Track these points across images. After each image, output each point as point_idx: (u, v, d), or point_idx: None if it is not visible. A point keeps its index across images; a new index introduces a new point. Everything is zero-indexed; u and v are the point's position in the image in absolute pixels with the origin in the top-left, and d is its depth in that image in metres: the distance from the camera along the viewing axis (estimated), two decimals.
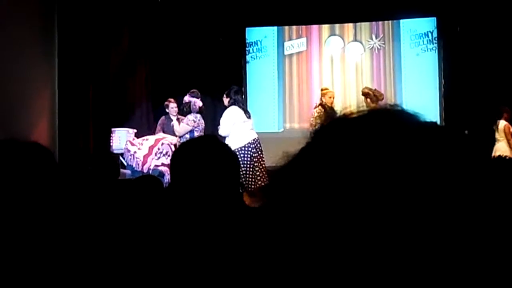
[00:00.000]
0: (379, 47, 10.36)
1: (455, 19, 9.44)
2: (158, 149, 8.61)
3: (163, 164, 8.49)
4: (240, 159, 7.31)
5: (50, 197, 1.45)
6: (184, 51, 10.03)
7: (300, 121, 9.95)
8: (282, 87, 10.46)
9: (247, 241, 1.59)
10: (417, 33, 10.21)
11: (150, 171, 8.38)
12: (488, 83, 8.72)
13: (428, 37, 10.17)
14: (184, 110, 8.33)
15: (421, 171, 0.58)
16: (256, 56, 10.67)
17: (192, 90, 8.38)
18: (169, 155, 8.47)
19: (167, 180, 7.96)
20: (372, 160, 0.59)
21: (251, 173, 7.78)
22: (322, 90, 8.47)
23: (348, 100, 9.99)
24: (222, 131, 7.91)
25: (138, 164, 8.53)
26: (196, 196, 1.76)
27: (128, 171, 8.43)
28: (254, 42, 10.62)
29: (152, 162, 8.53)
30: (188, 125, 8.37)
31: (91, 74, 7.98)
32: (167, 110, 8.65)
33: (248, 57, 10.64)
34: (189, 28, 9.95)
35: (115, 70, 8.76)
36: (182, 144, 1.98)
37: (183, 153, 1.86)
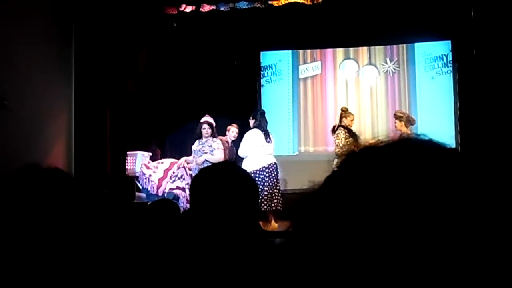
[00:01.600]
0: (393, 70, 10.35)
1: (470, 42, 9.41)
2: (173, 172, 8.65)
3: (178, 187, 8.53)
4: (259, 179, 7.39)
5: (71, 222, 1.46)
6: (200, 74, 10.09)
7: (315, 144, 9.95)
8: (297, 110, 10.45)
9: (264, 270, 1.59)
10: (432, 56, 10.19)
11: (165, 195, 8.39)
12: (504, 106, 8.65)
13: (443, 60, 10.15)
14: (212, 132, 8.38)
15: (451, 206, 0.58)
16: (271, 80, 10.67)
17: (207, 115, 8.44)
18: (184, 179, 8.56)
19: (182, 204, 8.04)
20: (398, 192, 0.59)
21: (262, 197, 7.79)
22: (343, 111, 8.48)
23: (363, 124, 9.97)
24: (241, 152, 8.10)
25: (153, 188, 8.57)
26: (214, 222, 1.75)
27: (143, 194, 8.45)
28: (269, 65, 10.63)
29: (167, 186, 8.57)
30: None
31: (108, 97, 8.02)
32: (227, 134, 8.65)
33: (263, 81, 10.65)
34: (204, 52, 10.02)
35: (132, 93, 8.83)
36: (202, 170, 1.96)
37: (203, 179, 1.86)
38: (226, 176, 1.83)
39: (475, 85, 9.34)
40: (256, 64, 10.56)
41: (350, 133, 8.18)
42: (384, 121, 10.23)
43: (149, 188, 8.60)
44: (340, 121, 8.35)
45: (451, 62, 10.09)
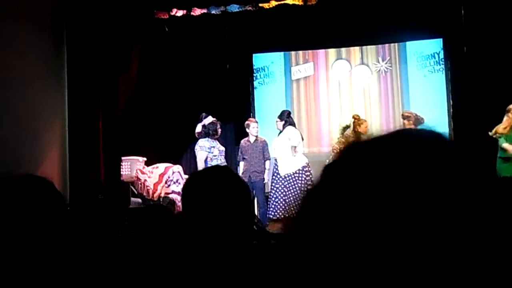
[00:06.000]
0: (386, 69, 10.34)
1: (461, 39, 9.43)
2: (169, 177, 8.59)
3: (173, 192, 8.47)
4: (304, 179, 8.03)
5: (53, 231, 1.45)
6: (192, 78, 10.08)
7: (309, 145, 9.88)
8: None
9: (258, 273, 1.59)
10: (424, 54, 10.18)
11: (161, 199, 8.40)
12: (496, 102, 8.67)
13: (435, 58, 10.13)
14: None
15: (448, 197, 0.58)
16: (264, 82, 10.67)
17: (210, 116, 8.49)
18: (179, 183, 8.47)
19: (178, 208, 7.87)
20: (395, 184, 0.59)
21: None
22: (355, 119, 8.50)
23: None
24: (300, 148, 8.31)
25: (149, 193, 8.51)
26: (205, 226, 1.74)
27: (138, 200, 8.41)
28: (261, 68, 10.62)
29: (162, 190, 8.52)
30: None
31: (101, 103, 7.98)
32: (247, 130, 8.71)
33: (255, 83, 10.64)
34: (197, 55, 10.01)
35: (125, 98, 8.81)
36: (194, 174, 1.97)
37: (195, 184, 1.84)
38: (218, 180, 1.81)
39: (467, 82, 9.37)
40: (248, 66, 10.54)
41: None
42: (378, 120, 10.21)
43: (144, 193, 8.55)
44: (354, 130, 8.38)
45: (443, 60, 10.08)
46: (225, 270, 1.66)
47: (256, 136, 8.63)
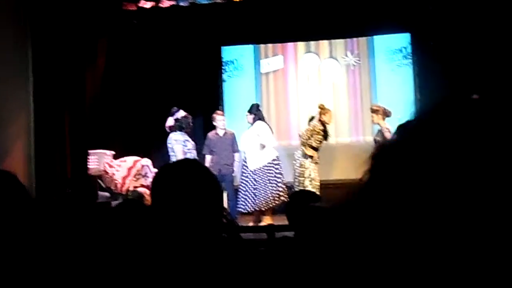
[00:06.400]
0: (354, 63, 10.37)
1: (427, 34, 9.51)
2: (137, 170, 8.56)
3: (142, 186, 8.41)
4: (274, 172, 8.16)
5: (15, 223, 1.45)
6: (160, 70, 9.99)
7: (279, 138, 9.81)
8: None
9: (224, 268, 1.59)
10: (392, 49, 10.24)
11: (129, 193, 8.30)
12: (462, 96, 8.74)
13: (402, 52, 10.17)
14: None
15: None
16: (233, 75, 10.60)
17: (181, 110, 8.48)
18: (148, 177, 8.44)
19: (146, 202, 7.95)
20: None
21: (275, 189, 8.13)
22: (321, 108, 8.51)
23: None
24: (271, 142, 8.39)
25: (117, 186, 8.46)
26: (175, 220, 1.73)
27: (106, 194, 8.34)
28: (230, 60, 10.56)
29: (130, 184, 8.47)
30: None
31: (67, 96, 7.87)
32: (214, 123, 8.67)
33: (224, 76, 10.57)
34: (165, 48, 9.93)
35: (92, 90, 8.71)
36: (164, 167, 1.92)
37: (165, 177, 1.82)
38: (188, 173, 1.80)
39: (433, 77, 9.42)
40: (217, 59, 10.49)
41: (324, 131, 8.26)
42: (346, 114, 10.25)
43: (112, 187, 8.50)
44: (320, 119, 8.40)
45: (410, 54, 10.15)
46: (194, 263, 1.65)
47: (225, 129, 8.60)
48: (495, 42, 8.34)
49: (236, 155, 8.57)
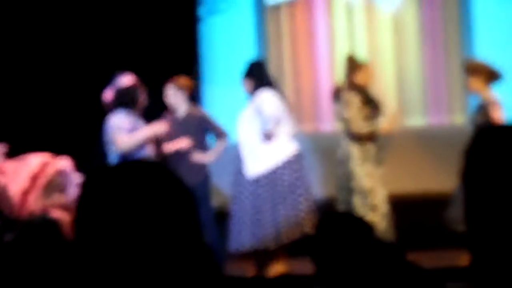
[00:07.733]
0: None
1: None
2: (48, 179, 5.80)
3: (57, 206, 5.72)
4: (290, 181, 6.32)
5: None
6: (90, 9, 7.89)
7: (299, 121, 7.22)
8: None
9: None
10: None
11: (34, 219, 5.73)
12: None
13: None
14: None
15: None
16: (217, 9, 8.19)
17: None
18: (67, 190, 5.79)
19: (64, 234, 5.68)
20: None
21: (293, 210, 6.28)
22: (350, 61, 6.75)
23: (383, 81, 7.53)
24: (286, 127, 6.55)
25: (11, 208, 6.05)
26: (115, 269, 1.26)
27: None
28: None
29: (37, 203, 5.93)
30: None
31: None
32: (166, 100, 7.20)
33: (201, 11, 8.12)
34: None
35: None
36: (96, 174, 1.38)
37: (99, 192, 1.33)
38: (140, 184, 1.31)
39: None
40: None
41: (367, 98, 6.51)
42: (419, 78, 7.84)
43: (3, 209, 6.16)
44: (349, 79, 6.47)
45: None
46: None
47: (188, 108, 7.15)
48: None
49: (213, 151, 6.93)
